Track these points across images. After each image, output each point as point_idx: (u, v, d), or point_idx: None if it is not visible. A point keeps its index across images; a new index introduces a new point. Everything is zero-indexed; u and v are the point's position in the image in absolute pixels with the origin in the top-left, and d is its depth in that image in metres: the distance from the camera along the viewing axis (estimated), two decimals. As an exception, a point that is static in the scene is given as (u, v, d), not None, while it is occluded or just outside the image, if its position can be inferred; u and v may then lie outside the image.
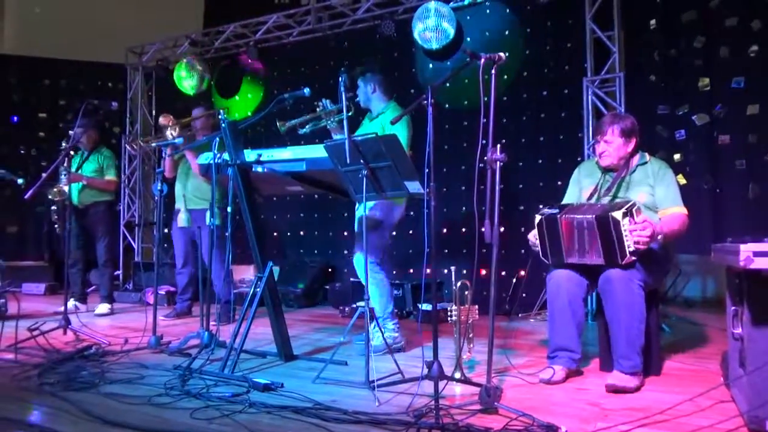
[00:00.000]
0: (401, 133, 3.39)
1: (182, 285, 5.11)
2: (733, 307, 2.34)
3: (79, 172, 5.20)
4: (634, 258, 2.64)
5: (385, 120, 3.60)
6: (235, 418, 2.28)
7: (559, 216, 2.79)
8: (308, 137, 3.80)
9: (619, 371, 2.67)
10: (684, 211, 2.89)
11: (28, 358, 3.32)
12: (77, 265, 5.32)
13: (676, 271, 5.00)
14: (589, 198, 3.02)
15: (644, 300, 2.71)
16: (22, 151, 7.83)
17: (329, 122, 3.68)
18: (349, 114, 3.53)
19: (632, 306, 2.66)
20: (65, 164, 4.81)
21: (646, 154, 3.03)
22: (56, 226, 5.52)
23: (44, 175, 4.59)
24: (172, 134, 4.46)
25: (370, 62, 3.86)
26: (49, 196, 5.18)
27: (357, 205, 3.74)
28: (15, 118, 7.87)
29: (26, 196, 4.35)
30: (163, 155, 4.71)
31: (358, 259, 3.54)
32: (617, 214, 2.61)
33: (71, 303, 5.09)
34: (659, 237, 2.75)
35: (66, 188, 5.07)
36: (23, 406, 2.48)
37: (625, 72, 4.85)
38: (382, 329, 3.33)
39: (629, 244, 2.62)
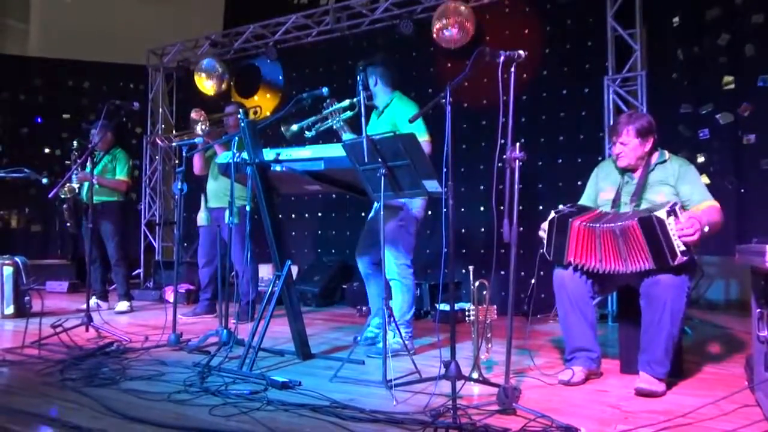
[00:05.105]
0: (419, 125, 3.36)
1: (204, 283, 5.16)
2: (759, 310, 2.29)
3: (94, 172, 5.28)
4: (685, 258, 2.54)
5: (392, 111, 3.58)
6: (253, 415, 2.29)
7: (572, 220, 2.77)
8: (327, 137, 3.79)
9: (651, 375, 2.62)
10: (716, 203, 2.81)
11: (51, 354, 3.38)
12: (95, 263, 5.39)
13: (699, 273, 4.91)
14: (613, 204, 2.97)
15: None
16: (47, 151, 7.98)
17: (335, 122, 3.63)
18: (355, 112, 3.53)
19: (678, 313, 2.61)
20: (88, 163, 4.89)
21: (666, 152, 2.97)
22: (68, 224, 5.60)
23: (67, 174, 4.67)
24: (202, 129, 4.47)
25: (373, 56, 3.81)
26: (61, 195, 5.26)
27: (374, 204, 3.73)
28: (39, 119, 8.03)
29: (50, 196, 4.44)
30: (183, 154, 4.75)
31: (387, 258, 3.50)
32: (661, 214, 2.54)
33: (93, 301, 5.17)
34: (705, 230, 2.62)
35: (76, 186, 5.14)
36: (46, 400, 2.52)
37: (647, 70, 4.78)
38: (398, 332, 3.28)
39: (678, 244, 2.52)
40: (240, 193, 4.25)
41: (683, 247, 2.53)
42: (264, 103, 6.99)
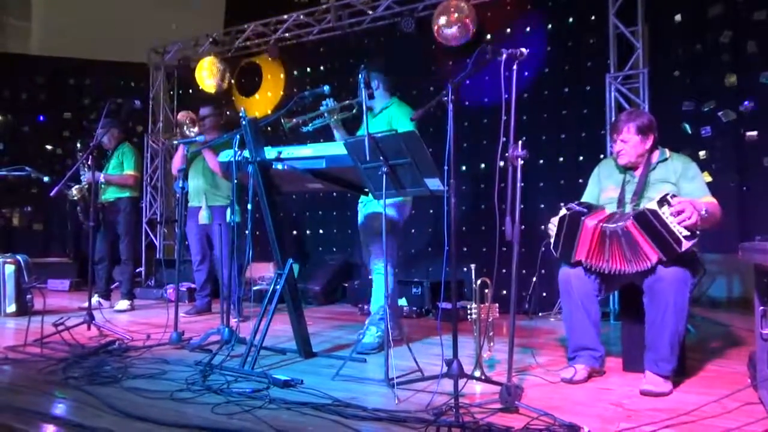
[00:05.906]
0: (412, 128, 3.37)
1: (201, 282, 5.15)
2: (762, 307, 2.28)
3: (104, 170, 5.28)
4: (692, 242, 2.53)
5: (390, 114, 3.59)
6: (255, 413, 2.29)
7: (584, 219, 2.74)
8: (328, 135, 3.79)
9: (656, 374, 2.61)
10: (715, 200, 2.80)
11: (53, 352, 3.38)
12: (103, 261, 5.40)
13: (701, 271, 4.89)
14: (619, 203, 2.95)
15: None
16: (49, 149, 7.98)
17: (332, 120, 3.62)
18: (353, 112, 3.53)
19: (682, 309, 2.60)
20: (89, 162, 4.89)
21: (666, 150, 2.95)
22: (84, 225, 5.61)
23: (69, 173, 4.66)
24: (189, 131, 4.52)
25: (375, 59, 3.83)
26: (70, 197, 5.26)
27: (360, 205, 3.76)
28: (41, 118, 8.03)
29: (51, 194, 4.44)
30: (185, 153, 4.76)
31: (376, 264, 3.53)
32: (651, 205, 2.56)
33: (95, 299, 5.17)
34: (703, 212, 2.59)
35: (86, 187, 5.15)
36: (49, 398, 2.52)
37: (649, 68, 4.77)
38: (375, 327, 3.27)
39: (679, 230, 2.52)
40: (227, 192, 4.26)
41: (686, 232, 2.52)
42: (265, 101, 6.99)
